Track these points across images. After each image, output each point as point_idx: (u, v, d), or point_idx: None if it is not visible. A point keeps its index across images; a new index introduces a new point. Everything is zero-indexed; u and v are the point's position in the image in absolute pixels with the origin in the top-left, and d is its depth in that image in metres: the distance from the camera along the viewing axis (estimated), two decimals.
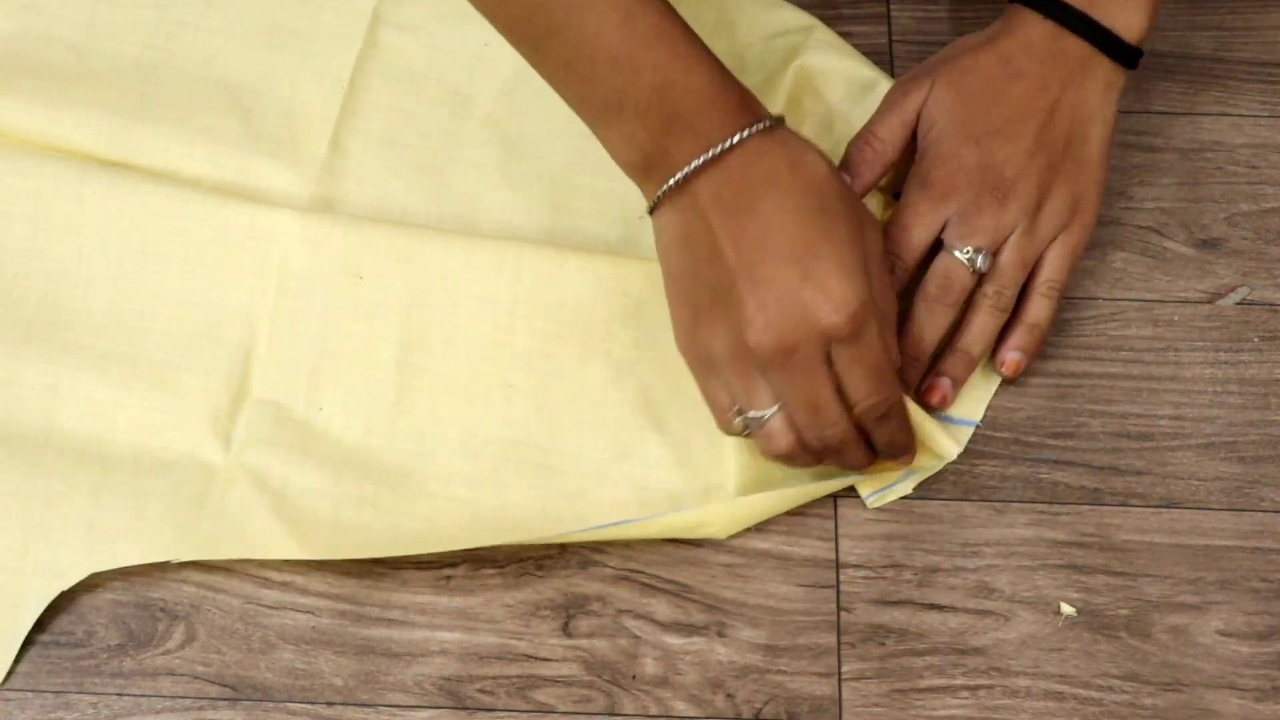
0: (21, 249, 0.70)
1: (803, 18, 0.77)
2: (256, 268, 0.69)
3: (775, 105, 0.72)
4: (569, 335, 0.67)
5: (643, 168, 0.59)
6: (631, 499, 0.66)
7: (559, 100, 0.67)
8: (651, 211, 0.60)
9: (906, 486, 0.66)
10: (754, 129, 0.57)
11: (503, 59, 0.75)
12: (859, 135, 0.69)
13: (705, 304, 0.58)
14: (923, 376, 0.67)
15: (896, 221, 0.66)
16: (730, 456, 0.66)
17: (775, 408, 0.59)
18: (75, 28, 0.76)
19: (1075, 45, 0.66)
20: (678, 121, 0.57)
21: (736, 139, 0.57)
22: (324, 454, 0.66)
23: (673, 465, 0.66)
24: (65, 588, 0.63)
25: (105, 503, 0.65)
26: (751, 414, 0.59)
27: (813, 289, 0.56)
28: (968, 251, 0.65)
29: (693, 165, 0.57)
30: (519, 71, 0.74)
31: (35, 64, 0.74)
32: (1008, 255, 0.66)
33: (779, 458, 0.61)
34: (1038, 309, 0.67)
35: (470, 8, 0.76)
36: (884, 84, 0.74)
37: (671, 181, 0.58)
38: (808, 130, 0.73)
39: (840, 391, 0.59)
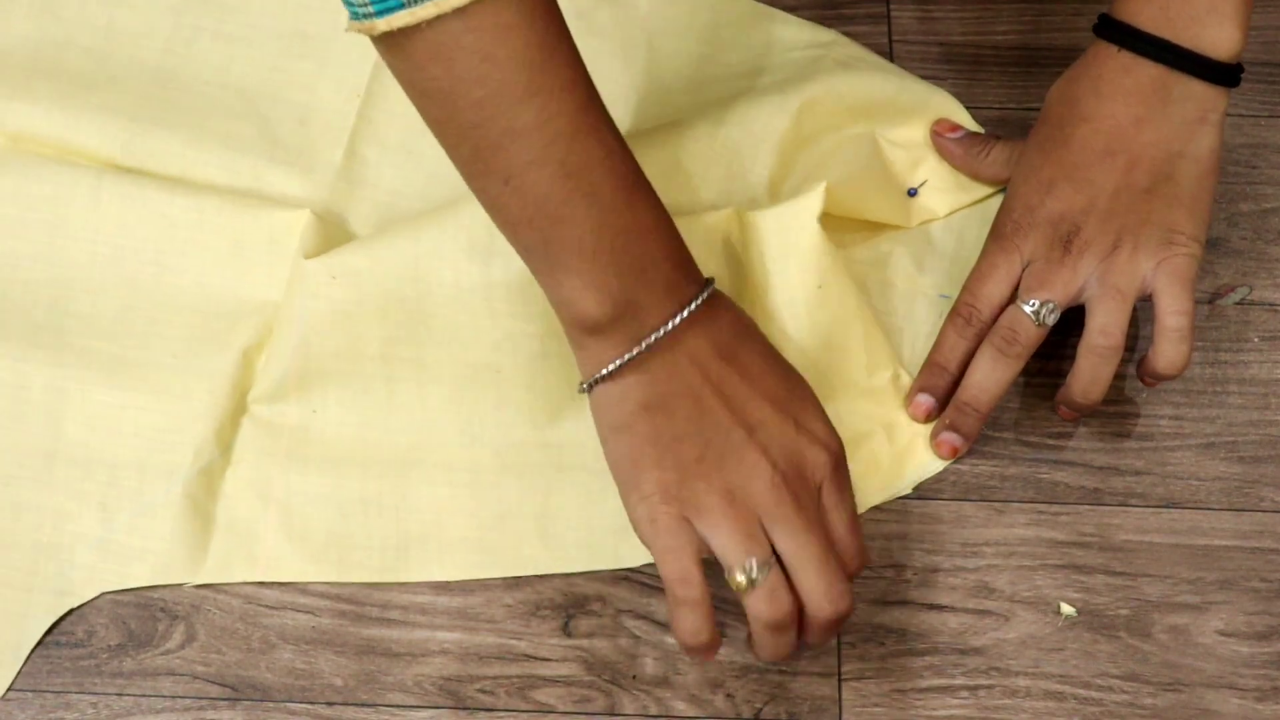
0: (36, 254, 0.70)
1: (822, 33, 0.77)
2: (270, 274, 0.69)
3: (784, 115, 0.71)
4: (549, 312, 0.66)
5: (606, 323, 0.54)
6: None
7: None
8: (605, 378, 0.55)
9: (906, 487, 0.66)
10: (709, 281, 0.57)
11: None
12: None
13: (693, 458, 0.55)
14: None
15: (975, 272, 0.66)
16: None
17: (769, 566, 0.55)
18: (93, 33, 0.76)
19: (1151, 74, 0.63)
20: (653, 268, 0.54)
21: (707, 292, 0.56)
22: (324, 456, 0.66)
23: None
24: (73, 605, 0.64)
25: (115, 521, 0.65)
26: (758, 564, 0.54)
27: (804, 433, 0.56)
28: (1033, 304, 0.64)
29: (679, 318, 0.54)
30: None
31: (53, 69, 0.74)
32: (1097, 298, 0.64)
33: (772, 624, 0.55)
34: (1162, 352, 0.64)
35: None
36: (911, 86, 0.73)
37: (661, 332, 0.54)
38: (825, 124, 0.73)
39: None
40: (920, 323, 0.70)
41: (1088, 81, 0.64)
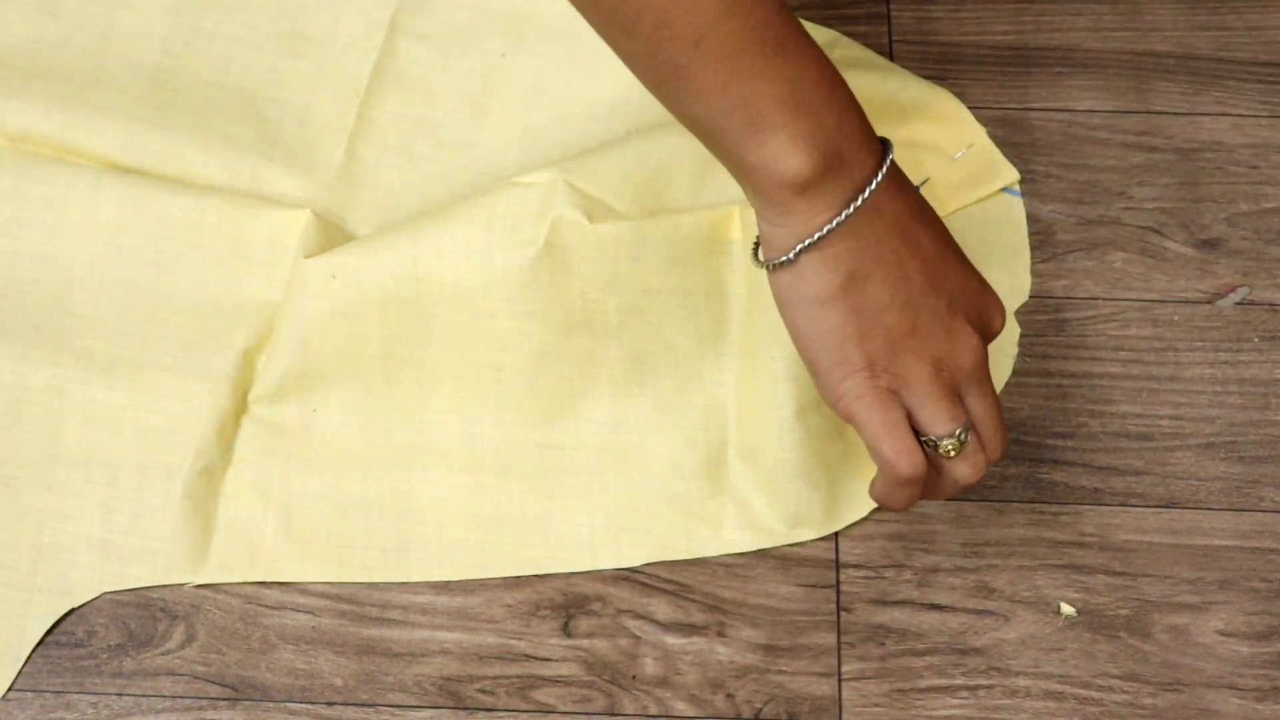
0: (34, 255, 0.70)
1: (821, 33, 0.77)
2: (269, 274, 0.69)
3: None
4: (549, 311, 0.66)
5: (817, 179, 0.51)
6: (633, 467, 0.66)
7: (574, 112, 0.66)
8: (814, 245, 0.51)
9: None
10: (890, 159, 0.53)
11: (519, 70, 0.75)
12: None
13: (903, 330, 0.52)
14: None
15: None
16: (732, 419, 0.66)
17: (962, 426, 0.54)
18: (92, 33, 0.76)
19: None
20: (846, 119, 0.51)
21: (893, 149, 0.53)
22: (324, 457, 0.66)
23: (668, 428, 0.66)
24: (74, 605, 0.64)
25: (115, 522, 0.65)
26: (959, 432, 0.53)
27: (988, 300, 0.54)
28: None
29: (885, 166, 0.51)
30: (535, 83, 0.74)
31: (51, 69, 0.74)
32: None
33: (968, 486, 0.55)
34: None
35: (487, 19, 0.75)
36: (911, 86, 0.73)
37: (872, 186, 0.51)
38: None
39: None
40: None
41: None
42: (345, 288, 0.66)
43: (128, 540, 0.65)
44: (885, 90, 0.73)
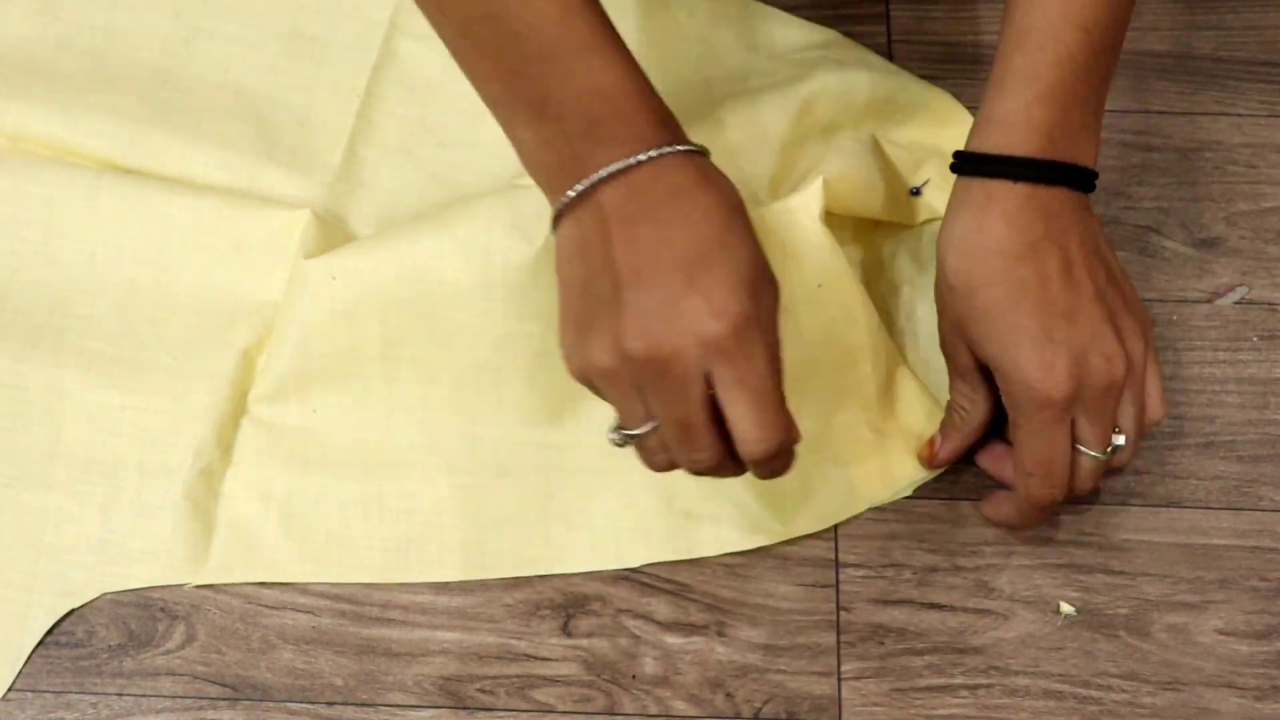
0: (34, 255, 0.70)
1: (821, 33, 0.77)
2: (269, 274, 0.69)
3: (784, 115, 0.71)
4: (549, 312, 0.66)
5: (553, 173, 0.57)
6: (633, 468, 0.66)
7: None
8: (555, 222, 0.57)
9: (907, 488, 0.66)
10: (672, 148, 0.55)
11: None
12: (948, 404, 0.66)
13: (590, 314, 0.55)
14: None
15: (1034, 454, 0.61)
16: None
17: (649, 426, 0.55)
18: (92, 33, 0.76)
19: (1055, 195, 0.61)
20: (599, 127, 0.55)
21: (655, 153, 0.54)
22: (324, 457, 0.66)
23: None
24: (74, 606, 0.64)
25: (116, 522, 0.65)
26: (627, 432, 0.56)
27: (696, 296, 0.53)
28: (1108, 450, 0.62)
29: (601, 173, 0.54)
30: None
31: (51, 69, 0.74)
32: (1128, 417, 0.62)
33: (657, 471, 0.58)
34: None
35: None
36: (909, 86, 0.73)
37: (579, 187, 0.55)
38: (826, 123, 0.72)
39: (720, 422, 0.55)
40: (921, 322, 0.70)
41: (998, 223, 0.60)
42: (345, 288, 0.66)
43: (128, 540, 0.65)
44: (885, 91, 0.73)
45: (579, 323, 0.56)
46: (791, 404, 0.64)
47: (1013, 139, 0.60)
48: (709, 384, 0.53)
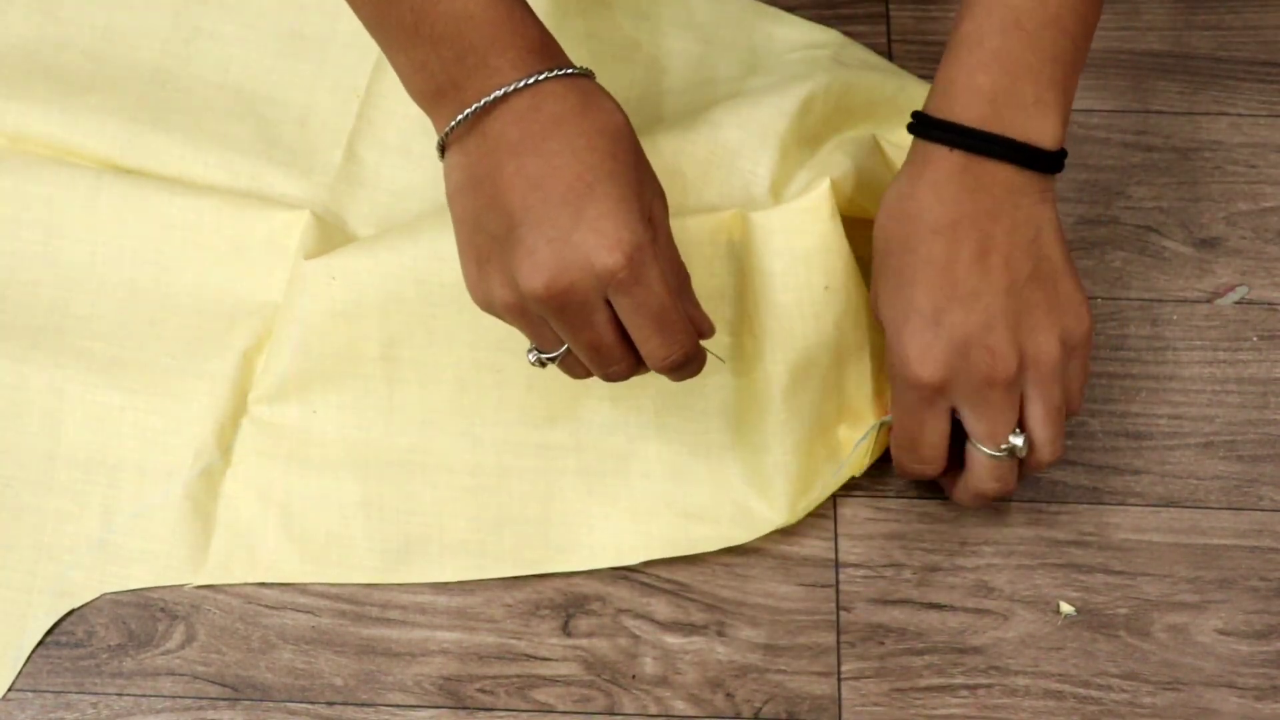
0: (34, 255, 0.70)
1: (821, 33, 0.77)
2: (269, 275, 0.69)
3: (784, 116, 0.71)
4: None
5: (433, 99, 0.56)
6: (633, 469, 0.66)
7: None
8: (441, 152, 0.57)
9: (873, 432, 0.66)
10: (552, 73, 0.55)
11: None
12: None
13: (487, 250, 0.56)
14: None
15: (901, 427, 0.62)
16: (732, 423, 0.66)
17: (562, 350, 0.57)
18: (91, 33, 0.76)
19: (990, 169, 0.59)
20: (472, 54, 0.54)
21: (531, 80, 0.54)
22: (324, 458, 0.66)
23: (668, 431, 0.66)
24: (74, 606, 0.64)
25: (115, 522, 0.65)
26: (543, 355, 0.58)
27: (586, 230, 0.53)
28: (1004, 449, 0.60)
29: (482, 102, 0.54)
30: None
31: (51, 70, 0.74)
32: (1035, 418, 0.60)
33: (578, 379, 0.60)
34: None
35: None
36: (911, 87, 0.73)
37: (460, 117, 0.55)
38: (828, 124, 0.72)
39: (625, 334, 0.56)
40: None
41: (926, 190, 0.59)
42: (345, 289, 0.66)
43: (128, 541, 0.65)
44: (885, 91, 0.73)
45: (477, 258, 0.56)
46: (792, 403, 0.64)
47: (955, 104, 0.59)
48: (610, 306, 0.55)
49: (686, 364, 0.57)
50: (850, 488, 0.66)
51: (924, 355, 0.59)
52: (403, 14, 0.55)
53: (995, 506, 0.66)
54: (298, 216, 0.69)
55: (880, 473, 0.67)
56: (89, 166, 0.71)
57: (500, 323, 0.66)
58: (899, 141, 0.73)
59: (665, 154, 0.68)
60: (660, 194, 0.57)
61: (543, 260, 0.53)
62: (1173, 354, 0.70)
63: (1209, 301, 0.71)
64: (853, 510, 0.66)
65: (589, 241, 0.53)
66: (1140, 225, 0.73)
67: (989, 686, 0.62)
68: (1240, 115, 0.76)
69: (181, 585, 0.64)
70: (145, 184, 0.70)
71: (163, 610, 0.64)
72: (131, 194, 0.70)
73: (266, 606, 0.64)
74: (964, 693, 0.62)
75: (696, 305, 0.58)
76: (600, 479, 0.66)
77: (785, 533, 0.65)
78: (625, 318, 0.55)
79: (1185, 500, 0.66)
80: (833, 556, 0.65)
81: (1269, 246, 0.73)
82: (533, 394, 0.67)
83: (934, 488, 0.67)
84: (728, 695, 0.62)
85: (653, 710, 0.62)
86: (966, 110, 0.58)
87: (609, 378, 0.58)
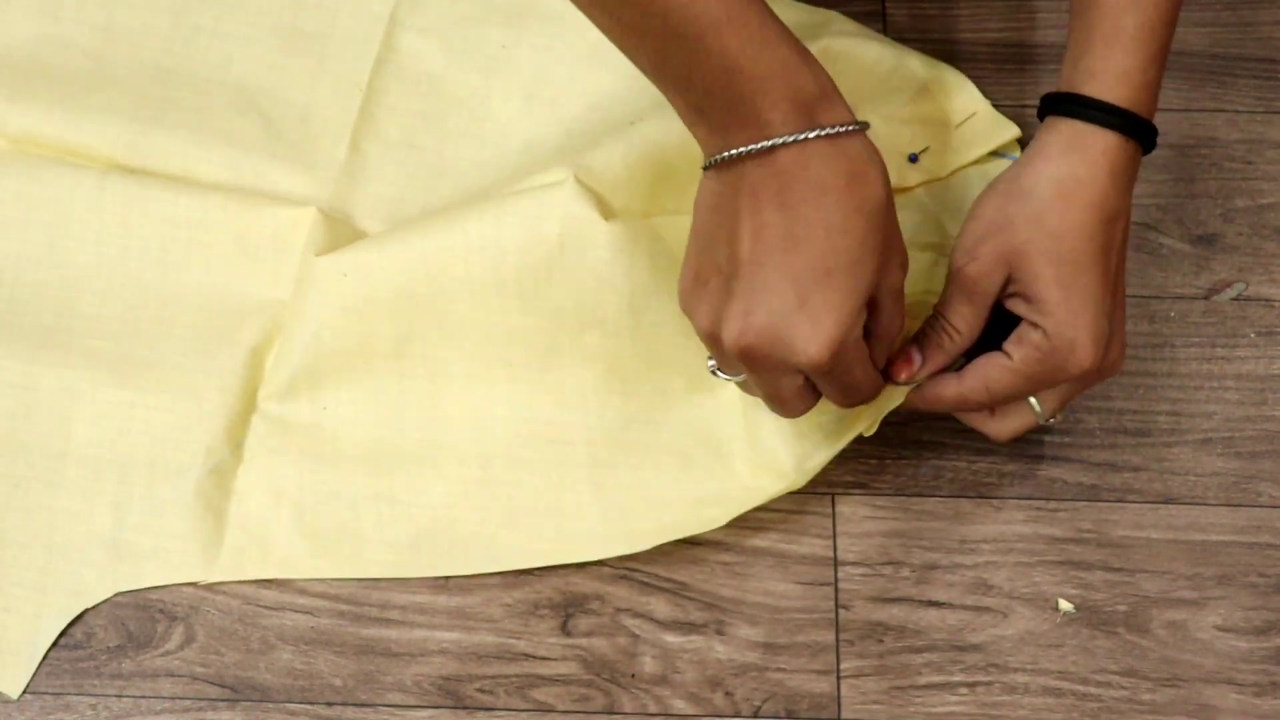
0: (39, 257, 0.70)
1: (818, 13, 0.77)
2: (275, 272, 0.69)
3: None
4: (562, 308, 0.66)
5: (705, 137, 0.57)
6: (645, 461, 0.66)
7: (576, 103, 0.66)
8: (705, 169, 0.58)
9: (892, 403, 0.64)
10: (819, 133, 0.54)
11: (520, 61, 0.75)
12: (933, 320, 0.63)
13: (707, 275, 0.57)
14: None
15: (1045, 405, 0.62)
16: (739, 414, 0.66)
17: (740, 378, 0.60)
18: (92, 33, 0.76)
19: (1138, 166, 0.61)
20: (740, 107, 0.54)
21: (792, 139, 0.54)
22: (336, 453, 0.66)
23: (679, 425, 0.66)
24: (88, 605, 0.64)
25: (127, 520, 0.65)
26: (724, 375, 0.60)
27: (805, 317, 0.54)
28: (1056, 419, 0.64)
29: (738, 151, 0.55)
30: (537, 74, 0.75)
31: (52, 70, 0.74)
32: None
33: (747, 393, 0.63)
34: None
35: (487, 11, 0.76)
36: (910, 61, 0.73)
37: (719, 157, 0.55)
38: None
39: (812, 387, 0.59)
40: (913, 280, 0.68)
41: (1106, 178, 0.60)
42: (357, 285, 0.66)
43: (140, 539, 0.65)
44: (884, 64, 0.73)
45: (696, 274, 0.58)
46: None
47: (1137, 98, 0.60)
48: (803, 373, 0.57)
49: (859, 404, 0.60)
50: (849, 486, 0.66)
51: (1097, 348, 0.59)
52: (675, 68, 0.55)
53: (994, 504, 0.66)
54: (304, 213, 0.69)
55: (879, 471, 0.67)
56: (93, 167, 0.71)
57: (512, 319, 0.66)
58: (903, 115, 0.73)
59: (674, 151, 0.68)
60: (902, 263, 0.58)
61: (753, 324, 0.55)
62: (1170, 351, 0.70)
63: (1206, 298, 0.71)
64: (851, 509, 0.66)
65: (803, 331, 0.54)
66: (1137, 222, 0.73)
67: (988, 684, 0.62)
68: (1237, 112, 0.76)
69: (181, 586, 0.64)
70: (150, 183, 0.71)
71: (162, 611, 0.64)
72: (136, 194, 0.70)
73: (265, 607, 0.64)
74: (963, 690, 0.62)
75: (901, 351, 0.61)
76: (611, 471, 0.66)
77: (784, 531, 0.66)
78: (817, 382, 0.58)
79: (1184, 497, 0.66)
80: (831, 555, 0.65)
81: (1266, 243, 0.73)
82: (544, 389, 0.67)
83: (932, 485, 0.67)
84: (727, 694, 0.62)
85: (652, 709, 0.62)
86: (1148, 106, 0.61)
87: (782, 415, 0.60)
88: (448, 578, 0.65)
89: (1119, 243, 0.60)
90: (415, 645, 0.63)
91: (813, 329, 0.54)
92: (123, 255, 0.70)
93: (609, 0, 0.56)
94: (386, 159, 0.73)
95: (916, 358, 0.62)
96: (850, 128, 0.55)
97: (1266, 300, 0.71)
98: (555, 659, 0.63)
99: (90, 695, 0.62)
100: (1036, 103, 0.64)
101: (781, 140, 0.54)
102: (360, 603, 0.64)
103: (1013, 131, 0.73)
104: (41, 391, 0.67)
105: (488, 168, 0.73)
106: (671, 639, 0.63)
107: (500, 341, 0.67)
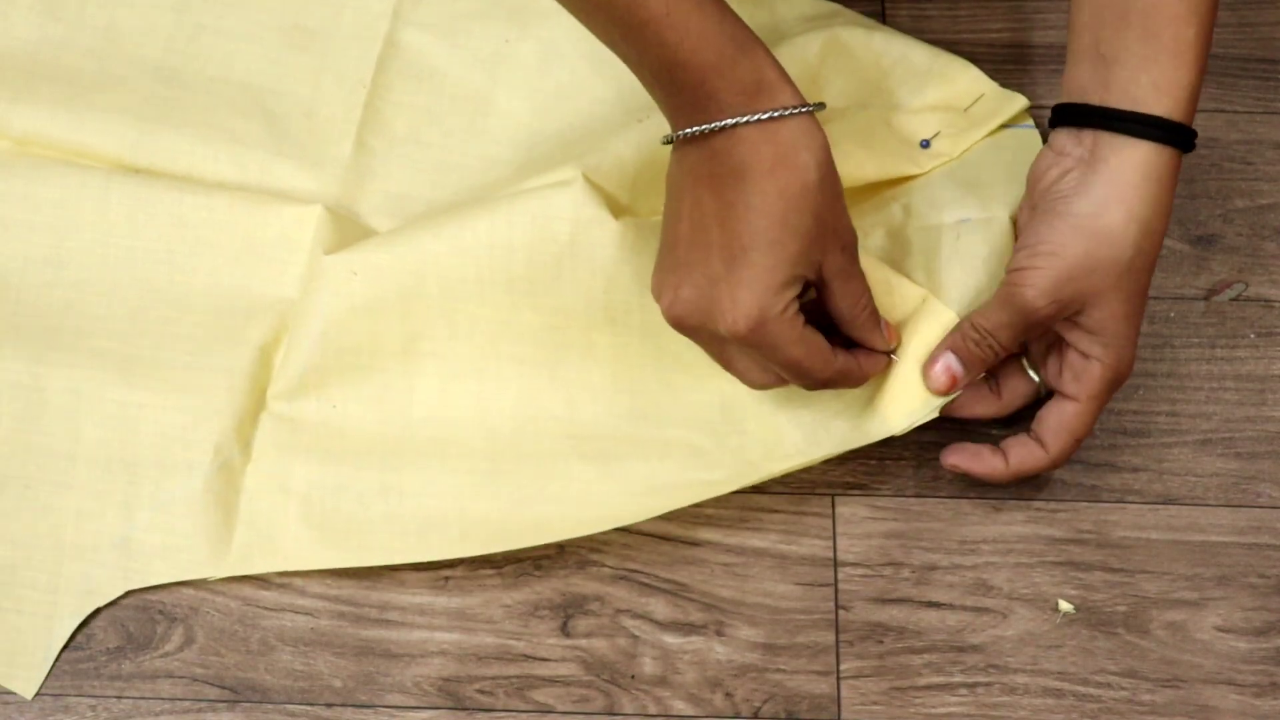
0: (45, 259, 0.70)
1: (824, 6, 0.77)
2: (283, 270, 0.69)
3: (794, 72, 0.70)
4: (571, 306, 0.67)
5: (664, 115, 0.60)
6: (653, 454, 0.66)
7: (580, 97, 0.67)
8: (667, 144, 0.61)
9: (932, 412, 0.64)
10: (748, 119, 0.56)
11: (524, 55, 0.75)
12: (974, 332, 0.63)
13: (662, 254, 0.61)
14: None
15: (1085, 424, 0.63)
16: (749, 416, 0.66)
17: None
18: (94, 33, 0.76)
19: (1167, 160, 0.60)
20: (683, 94, 0.58)
21: (719, 125, 0.57)
22: (344, 449, 0.66)
23: (689, 422, 0.66)
24: (99, 605, 0.63)
25: (137, 519, 0.65)
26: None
27: (724, 291, 0.58)
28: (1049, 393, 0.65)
29: (680, 134, 0.58)
30: (540, 67, 0.75)
31: (56, 71, 0.74)
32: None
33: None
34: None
35: (489, 6, 0.76)
36: (915, 51, 0.73)
37: (670, 138, 0.59)
38: (834, 97, 0.72)
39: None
40: (931, 255, 0.68)
41: (1167, 202, 0.61)
42: (366, 284, 0.66)
43: (150, 537, 0.64)
44: (891, 54, 0.73)
45: (660, 253, 0.62)
46: (810, 399, 0.65)
47: (1191, 111, 0.60)
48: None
49: (828, 387, 0.62)
50: (849, 487, 0.66)
51: (1135, 355, 0.62)
52: (625, 53, 0.59)
53: (993, 505, 0.66)
54: (310, 211, 0.69)
55: (879, 472, 0.67)
56: (98, 167, 0.71)
57: (521, 316, 0.66)
58: (910, 105, 0.73)
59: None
60: (845, 245, 0.60)
61: (681, 296, 0.59)
62: (1170, 351, 0.70)
63: (1206, 298, 0.71)
64: (851, 509, 0.66)
65: (722, 303, 0.58)
66: None
67: (988, 685, 0.62)
68: (1236, 112, 0.76)
69: (182, 587, 0.64)
70: (155, 183, 0.71)
71: (161, 613, 0.64)
72: (142, 194, 0.70)
73: (265, 608, 0.64)
74: (963, 691, 0.62)
75: (873, 327, 0.62)
76: (621, 464, 0.66)
77: (784, 532, 0.66)
78: (752, 357, 0.61)
79: (1183, 497, 0.67)
80: (831, 555, 0.65)
81: (1266, 243, 0.73)
82: (553, 386, 0.67)
83: (931, 486, 0.67)
84: (727, 695, 0.62)
85: (652, 710, 0.62)
86: (1192, 114, 0.61)
87: (751, 387, 0.63)
88: (447, 579, 0.65)
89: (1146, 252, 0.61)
90: (415, 646, 0.63)
91: (731, 302, 0.58)
92: (129, 255, 0.70)
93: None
94: (392, 155, 0.73)
95: (957, 370, 0.63)
96: (787, 112, 0.57)
97: (1266, 301, 0.71)
98: (555, 660, 0.63)
99: (90, 696, 0.62)
100: (1036, 104, 0.64)
101: (710, 126, 0.57)
102: (360, 604, 0.64)
103: (1021, 103, 0.73)
104: (50, 393, 0.67)
105: (493, 163, 0.73)
106: (671, 640, 0.63)
107: (509, 340, 0.67)
